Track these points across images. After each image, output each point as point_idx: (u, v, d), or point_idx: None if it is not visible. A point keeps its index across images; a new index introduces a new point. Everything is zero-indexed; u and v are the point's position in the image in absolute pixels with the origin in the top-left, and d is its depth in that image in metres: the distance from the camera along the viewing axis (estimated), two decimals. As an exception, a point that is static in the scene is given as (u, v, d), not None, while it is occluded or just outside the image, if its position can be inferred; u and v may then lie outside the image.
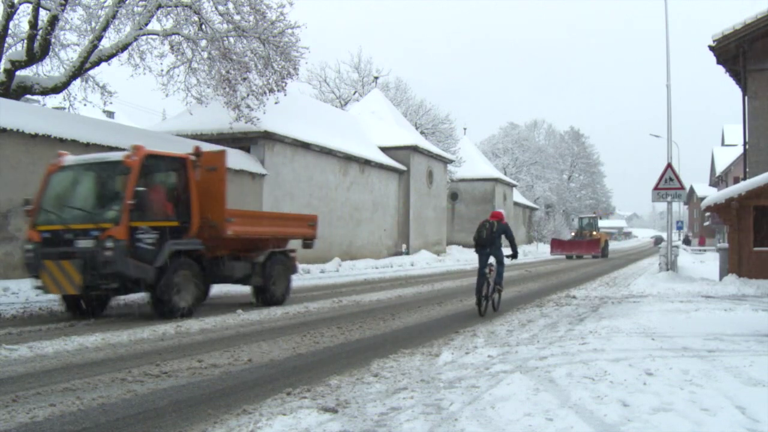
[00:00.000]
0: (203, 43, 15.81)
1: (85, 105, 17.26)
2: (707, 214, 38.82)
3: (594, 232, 40.00)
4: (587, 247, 37.60)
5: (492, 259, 10.40)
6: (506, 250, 10.70)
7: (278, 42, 16.15)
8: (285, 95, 18.02)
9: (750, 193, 14.64)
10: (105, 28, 15.05)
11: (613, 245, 78.09)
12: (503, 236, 10.39)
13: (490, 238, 10.25)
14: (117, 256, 8.22)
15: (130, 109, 56.86)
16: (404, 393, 4.97)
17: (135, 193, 8.44)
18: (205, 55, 15.99)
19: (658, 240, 70.13)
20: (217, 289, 13.58)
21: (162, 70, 16.55)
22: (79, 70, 15.62)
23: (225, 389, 5.40)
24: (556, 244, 39.27)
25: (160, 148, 16.00)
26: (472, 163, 45.88)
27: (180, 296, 9.05)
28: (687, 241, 46.33)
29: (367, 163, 27.18)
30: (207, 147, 18.38)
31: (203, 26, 15.48)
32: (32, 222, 8.90)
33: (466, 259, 32.07)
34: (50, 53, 15.53)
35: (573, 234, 42.65)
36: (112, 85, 17.20)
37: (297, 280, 16.98)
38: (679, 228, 46.23)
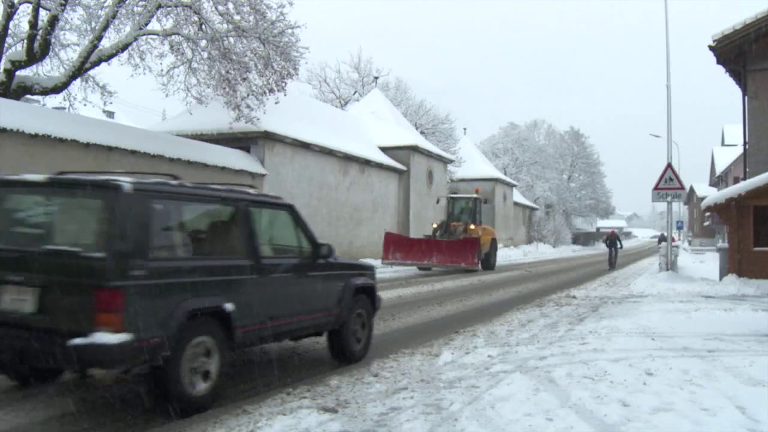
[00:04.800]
0: (203, 43, 15.79)
1: (85, 105, 17.22)
2: (707, 214, 38.71)
3: (472, 226, 22.67)
4: (457, 251, 20.60)
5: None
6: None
7: (278, 42, 16.13)
8: (285, 95, 18.00)
9: (750, 193, 14.64)
10: (105, 28, 15.02)
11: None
12: (617, 240, 26.74)
13: (613, 242, 26.62)
14: None
15: (130, 109, 56.85)
16: (404, 393, 4.97)
17: None
18: (205, 55, 15.97)
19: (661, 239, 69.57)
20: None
21: (162, 70, 16.52)
22: (79, 70, 15.60)
23: (225, 389, 5.39)
24: (397, 244, 21.52)
25: (160, 149, 16.13)
26: (472, 163, 45.83)
27: None
28: (662, 239, 44.04)
29: (367, 163, 27.17)
30: (206, 147, 18.45)
31: (203, 26, 15.46)
32: None
33: (466, 259, 32.03)
34: (50, 53, 15.49)
35: (435, 227, 23.43)
36: (112, 85, 17.18)
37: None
38: (680, 228, 45.66)
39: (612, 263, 26.29)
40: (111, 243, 4.19)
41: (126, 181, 4.36)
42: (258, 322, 5.25)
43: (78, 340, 4.03)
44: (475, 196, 24.58)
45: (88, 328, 4.05)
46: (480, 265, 21.50)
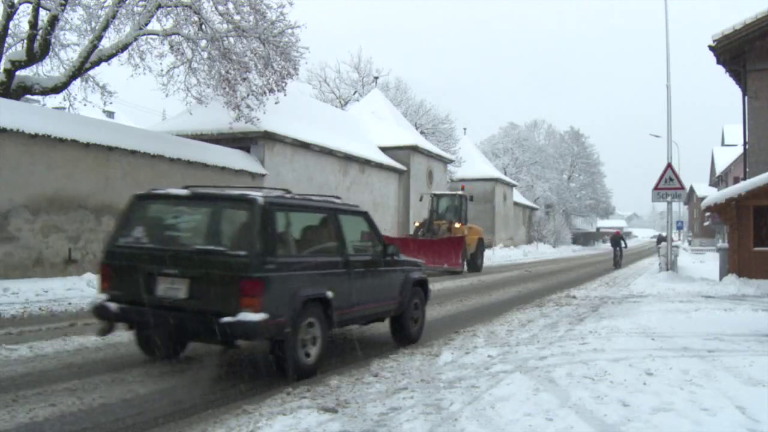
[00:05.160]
0: (203, 43, 15.78)
1: (85, 105, 17.21)
2: (707, 214, 38.66)
3: (457, 224, 21.40)
4: (439, 251, 19.73)
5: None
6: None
7: (278, 42, 16.13)
8: (285, 95, 18.00)
9: (750, 193, 14.64)
10: (105, 28, 15.02)
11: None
12: (621, 240, 27.89)
13: (617, 241, 27.65)
14: None
15: (130, 109, 56.74)
16: (404, 393, 4.97)
17: None
18: (205, 55, 15.97)
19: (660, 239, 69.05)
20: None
21: (162, 70, 16.51)
22: (79, 70, 15.60)
23: (225, 389, 5.40)
24: None
25: (160, 149, 16.12)
26: (472, 163, 45.81)
27: None
28: (661, 240, 42.97)
29: (367, 163, 27.16)
30: (206, 147, 18.43)
31: (203, 26, 15.45)
32: None
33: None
34: (50, 53, 15.49)
35: (417, 225, 22.55)
36: (112, 85, 17.17)
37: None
38: (679, 228, 45.48)
39: (617, 262, 27.18)
40: (251, 243, 5.31)
41: (259, 195, 5.53)
42: (346, 307, 6.36)
43: (227, 318, 5.09)
44: (460, 193, 22.94)
45: (235, 309, 5.12)
46: (465, 267, 20.40)
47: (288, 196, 6.12)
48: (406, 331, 7.67)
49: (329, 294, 5.93)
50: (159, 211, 6.19)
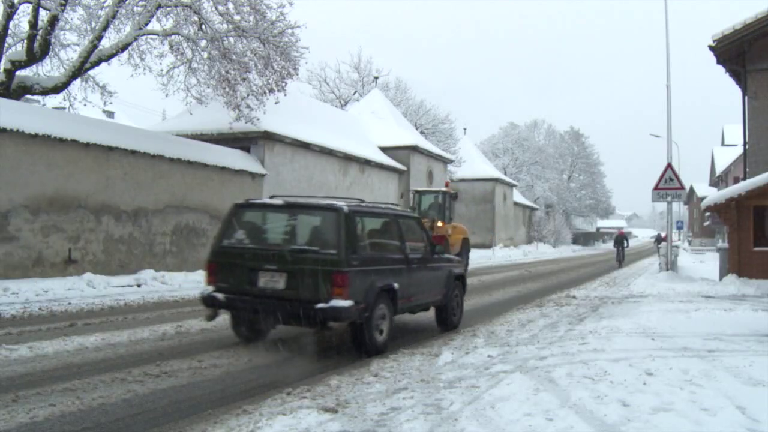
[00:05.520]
0: (203, 43, 15.79)
1: (85, 105, 17.22)
2: (707, 214, 38.61)
3: (440, 223, 19.90)
4: None
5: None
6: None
7: (278, 42, 16.14)
8: (285, 95, 18.00)
9: (750, 193, 14.64)
10: (105, 28, 15.02)
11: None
12: (624, 239, 29.27)
13: (620, 241, 28.95)
14: None
15: (130, 109, 56.80)
16: (404, 393, 4.97)
17: None
18: (205, 55, 15.97)
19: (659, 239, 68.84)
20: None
21: (162, 70, 16.52)
22: (79, 70, 15.60)
23: (225, 389, 5.40)
24: None
25: (160, 149, 16.13)
26: (472, 163, 45.80)
27: None
28: (659, 240, 42.07)
29: (367, 163, 27.15)
30: (206, 147, 18.44)
31: (203, 26, 15.46)
32: None
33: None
34: (50, 53, 15.49)
35: None
36: (112, 85, 17.17)
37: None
38: (679, 228, 45.41)
39: (620, 260, 28.68)
40: (339, 244, 6.39)
41: (344, 204, 6.67)
42: (406, 297, 7.45)
43: (322, 305, 6.21)
44: (444, 190, 21.50)
45: (327, 297, 6.24)
46: None
47: (363, 204, 7.26)
48: (449, 319, 8.83)
49: (396, 285, 7.04)
50: (256, 217, 7.34)
